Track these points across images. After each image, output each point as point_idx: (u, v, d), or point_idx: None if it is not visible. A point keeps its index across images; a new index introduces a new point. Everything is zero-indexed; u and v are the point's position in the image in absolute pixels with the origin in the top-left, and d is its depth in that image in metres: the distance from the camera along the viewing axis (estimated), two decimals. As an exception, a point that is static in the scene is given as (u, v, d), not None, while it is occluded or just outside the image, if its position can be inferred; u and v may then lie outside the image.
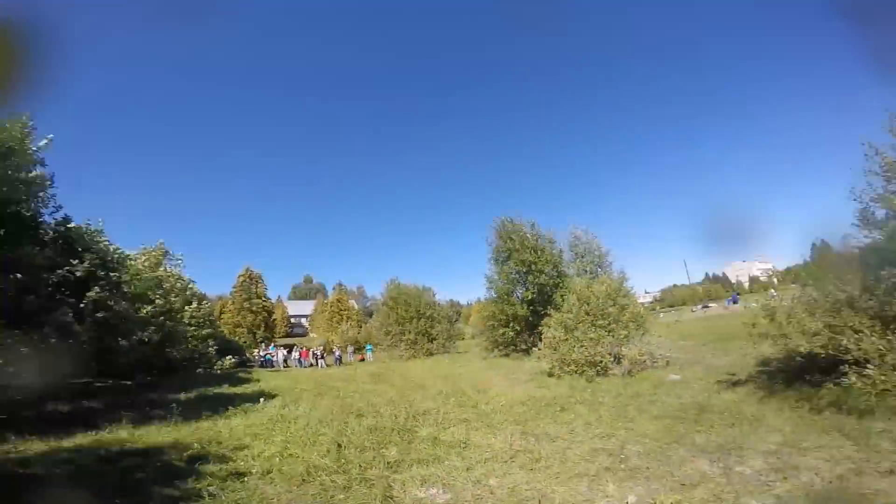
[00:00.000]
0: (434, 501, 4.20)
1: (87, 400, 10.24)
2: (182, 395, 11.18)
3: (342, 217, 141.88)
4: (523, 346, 17.74)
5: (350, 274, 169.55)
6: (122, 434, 6.63)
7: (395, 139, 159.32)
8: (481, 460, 5.23)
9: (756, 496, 3.69)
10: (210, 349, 18.20)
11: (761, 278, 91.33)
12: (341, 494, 4.19)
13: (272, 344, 30.21)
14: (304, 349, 27.83)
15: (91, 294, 9.62)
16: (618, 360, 10.97)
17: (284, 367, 25.58)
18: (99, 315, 9.85)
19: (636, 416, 6.77)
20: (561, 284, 16.66)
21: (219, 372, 15.42)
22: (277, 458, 5.27)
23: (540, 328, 16.46)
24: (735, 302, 44.66)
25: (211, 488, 4.17)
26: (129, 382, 12.90)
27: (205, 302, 21.44)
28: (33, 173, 7.11)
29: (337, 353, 28.25)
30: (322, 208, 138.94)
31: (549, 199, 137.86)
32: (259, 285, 36.11)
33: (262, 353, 27.12)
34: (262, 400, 9.71)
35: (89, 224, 10.79)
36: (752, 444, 4.87)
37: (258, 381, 15.56)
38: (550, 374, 11.50)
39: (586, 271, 17.41)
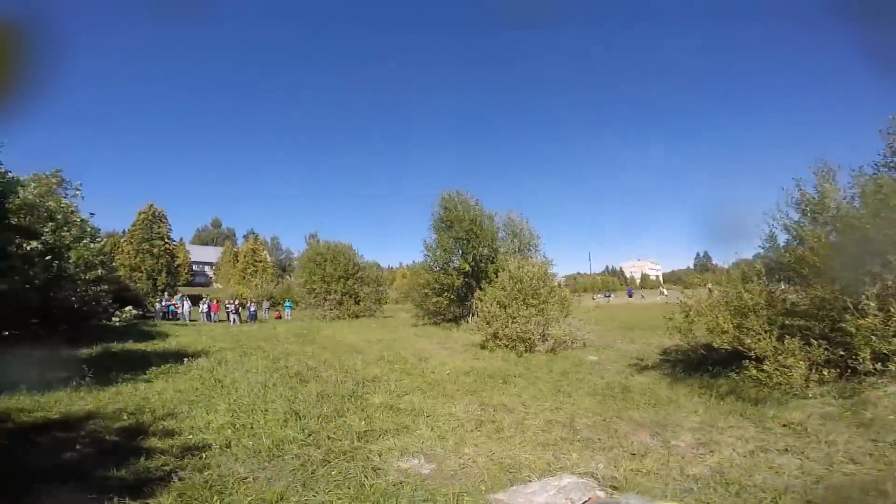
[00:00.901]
0: (419, 472, 4.22)
1: None
2: (83, 352, 9.85)
3: (260, 159, 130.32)
4: (451, 316, 18.43)
5: (263, 222, 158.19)
6: (24, 402, 5.56)
7: (331, 82, 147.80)
8: (449, 429, 5.39)
9: (694, 465, 4.37)
10: (106, 297, 16.02)
11: (651, 277, 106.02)
12: (322, 469, 4.03)
13: (177, 294, 27.45)
14: (216, 302, 25.80)
15: None
16: (544, 338, 11.90)
17: (190, 320, 23.55)
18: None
19: (572, 392, 7.47)
20: (495, 260, 17.35)
21: (117, 324, 13.67)
22: (230, 430, 4.87)
23: (471, 301, 17.22)
24: (630, 295, 52.98)
25: (167, 468, 3.74)
26: (7, 333, 10.95)
27: (99, 240, 18.66)
28: None
29: (252, 309, 26.66)
30: (236, 145, 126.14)
31: (476, 180, 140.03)
32: (163, 225, 32.13)
33: (164, 304, 24.60)
34: (185, 360, 8.93)
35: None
36: (678, 422, 5.64)
37: (168, 336, 14.23)
38: (483, 347, 12.16)
39: (518, 251, 18.33)
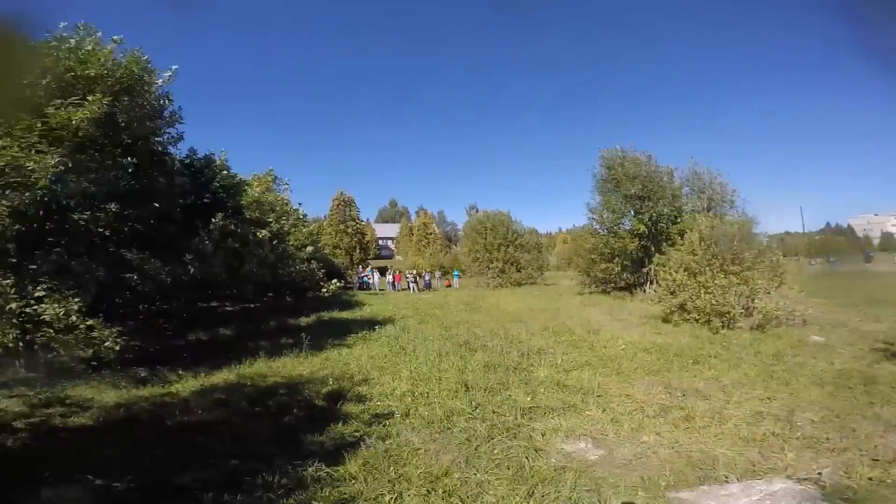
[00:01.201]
0: (586, 456, 3.94)
1: (223, 327, 11.66)
2: (303, 321, 12.27)
3: (425, 141, 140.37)
4: (624, 284, 16.85)
5: (430, 198, 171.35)
6: (261, 367, 7.11)
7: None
8: (625, 413, 4.91)
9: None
10: (318, 272, 19.66)
11: (896, 235, 76.85)
12: (485, 445, 4.10)
13: (369, 266, 32.23)
14: (398, 272, 29.28)
15: (216, 221, 10.42)
16: (748, 311, 9.82)
17: (379, 289, 27.36)
18: (229, 241, 10.75)
19: (790, 379, 5.97)
20: (679, 220, 14.98)
21: (326, 295, 16.69)
22: (410, 398, 5.38)
23: (649, 267, 15.33)
24: (868, 259, 37.81)
25: (358, 434, 4.27)
26: (251, 306, 14.44)
27: (309, 224, 22.75)
28: (158, 106, 7.34)
29: (427, 278, 29.42)
30: (407, 132, 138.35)
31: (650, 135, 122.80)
32: (352, 208, 38.02)
33: (359, 275, 29.07)
34: (376, 328, 10.31)
35: (213, 154, 11.50)
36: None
37: (363, 304, 16.66)
38: (666, 320, 10.73)
39: (707, 209, 15.45)
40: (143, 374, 6.64)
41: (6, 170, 5.17)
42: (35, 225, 5.68)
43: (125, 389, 5.95)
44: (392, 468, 3.58)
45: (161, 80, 7.14)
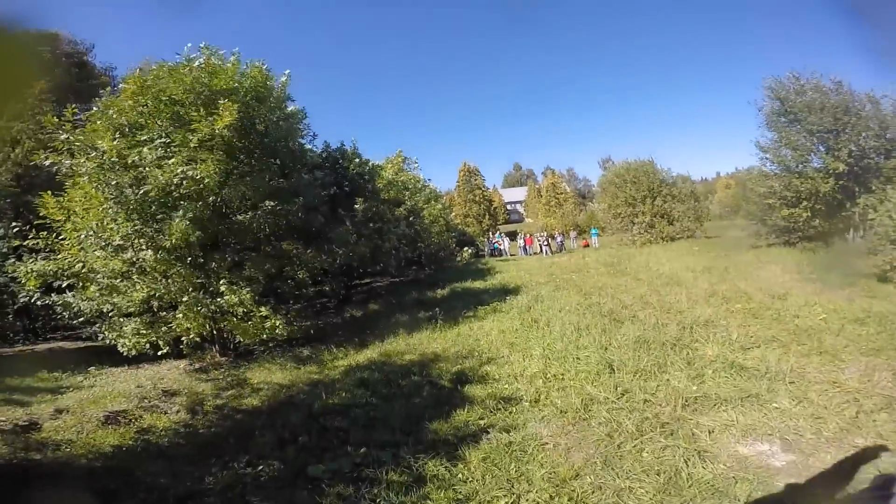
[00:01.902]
0: (769, 463, 3.07)
1: (373, 301, 12.71)
2: (438, 293, 12.67)
3: (546, 101, 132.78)
4: (814, 234, 13.36)
5: (556, 157, 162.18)
6: (400, 344, 7.36)
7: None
8: (830, 406, 3.73)
9: None
10: (451, 242, 20.29)
11: None
12: (631, 442, 3.45)
13: (498, 232, 32.18)
14: (529, 236, 28.49)
15: (358, 206, 11.25)
16: None
17: (510, 255, 27.04)
18: (371, 224, 11.58)
19: None
20: (893, 154, 11.23)
21: (460, 264, 17.12)
22: (541, 380, 4.92)
23: (851, 211, 11.92)
24: None
25: (482, 422, 4.04)
26: (396, 280, 15.52)
27: (441, 198, 23.54)
28: (289, 109, 7.95)
29: (559, 239, 28.00)
30: (527, 93, 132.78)
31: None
32: (477, 177, 38.20)
33: (490, 242, 29.18)
34: (507, 298, 10.03)
35: (344, 145, 12.39)
36: None
37: (495, 272, 16.52)
38: (884, 279, 8.08)
39: None
40: (305, 353, 7.51)
41: (182, 182, 6.19)
42: (212, 228, 6.72)
43: (289, 370, 6.75)
44: (514, 465, 3.25)
45: (280, 85, 7.72)
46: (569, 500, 2.82)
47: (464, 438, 3.72)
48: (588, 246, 27.16)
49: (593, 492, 2.90)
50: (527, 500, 2.86)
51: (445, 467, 3.25)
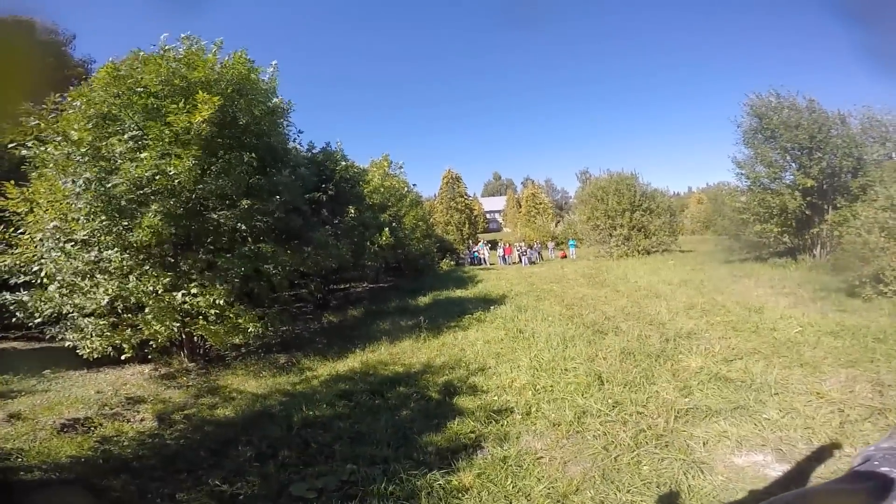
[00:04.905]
0: (764, 472, 3.07)
1: (352, 307, 12.39)
2: (420, 300, 12.46)
3: (526, 111, 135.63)
4: (784, 249, 13.95)
5: (535, 168, 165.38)
6: (383, 354, 7.14)
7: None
8: (816, 416, 3.76)
9: None
10: (432, 250, 20.15)
11: None
12: (628, 455, 3.38)
13: (480, 241, 32.28)
14: (508, 245, 28.68)
15: (347, 216, 10.94)
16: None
17: (489, 263, 27.14)
18: (354, 228, 11.27)
19: None
20: (860, 173, 11.87)
21: (440, 272, 17.01)
22: (531, 392, 4.81)
23: (819, 228, 12.51)
24: None
25: (473, 435, 3.89)
26: (373, 286, 15.23)
27: (422, 205, 23.38)
28: (272, 103, 7.60)
29: (537, 248, 28.31)
30: (509, 103, 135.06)
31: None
32: (460, 185, 38.34)
33: (470, 251, 29.22)
34: (491, 308, 9.93)
35: (329, 146, 12.12)
36: None
37: (476, 281, 16.46)
38: (853, 294, 8.41)
39: (893, 157, 12.02)
40: (282, 361, 7.17)
41: (155, 177, 5.84)
42: (184, 226, 6.35)
43: (265, 378, 6.42)
44: (510, 480, 3.11)
45: (266, 78, 7.41)
46: (572, 517, 2.70)
47: (457, 452, 3.55)
48: (566, 257, 27.54)
49: (595, 507, 2.79)
50: (527, 517, 2.72)
51: (440, 484, 3.07)
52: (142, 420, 4.87)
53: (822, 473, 2.99)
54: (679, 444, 3.51)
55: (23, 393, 5.84)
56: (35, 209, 6.26)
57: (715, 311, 7.97)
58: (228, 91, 6.59)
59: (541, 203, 44.52)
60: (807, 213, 12.54)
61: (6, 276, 6.16)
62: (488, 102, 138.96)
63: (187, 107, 6.03)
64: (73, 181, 5.81)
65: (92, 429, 4.51)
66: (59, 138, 6.00)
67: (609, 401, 4.38)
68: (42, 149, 6.02)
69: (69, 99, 6.21)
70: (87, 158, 5.89)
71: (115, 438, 4.32)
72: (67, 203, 5.95)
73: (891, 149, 12.27)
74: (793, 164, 12.85)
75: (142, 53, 6.51)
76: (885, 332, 5.97)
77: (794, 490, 0.89)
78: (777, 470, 3.11)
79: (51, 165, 6.00)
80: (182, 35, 6.58)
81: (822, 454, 3.21)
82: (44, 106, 6.16)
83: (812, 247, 12.88)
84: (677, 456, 3.33)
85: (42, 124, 6.05)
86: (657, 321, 7.64)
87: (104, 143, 5.91)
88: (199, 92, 5.97)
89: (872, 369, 4.73)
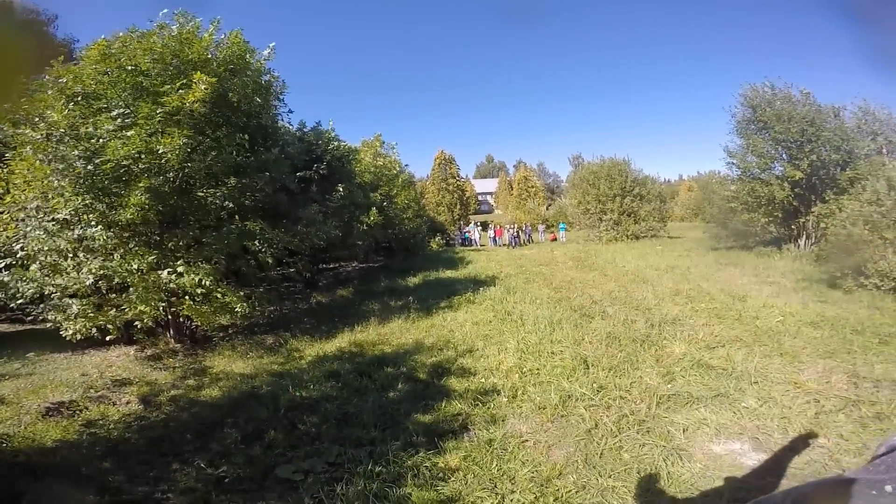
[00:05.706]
0: (741, 461, 3.17)
1: (341, 287, 12.34)
2: (410, 281, 12.45)
3: (521, 95, 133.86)
4: (770, 239, 14.18)
5: (528, 151, 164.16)
6: (372, 334, 7.10)
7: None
8: (793, 406, 3.87)
9: None
10: (423, 230, 20.07)
11: None
12: (611, 440, 3.46)
13: (471, 222, 32.25)
14: (499, 227, 28.67)
15: (336, 193, 10.78)
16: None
17: (480, 245, 27.18)
18: (344, 207, 11.13)
19: None
20: (849, 166, 11.99)
21: (431, 252, 16.99)
22: (517, 375, 4.87)
23: (805, 219, 12.71)
24: None
25: (461, 417, 3.94)
26: (363, 265, 15.14)
27: (415, 185, 23.14)
28: (265, 80, 7.44)
29: (528, 231, 28.38)
30: (501, 85, 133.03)
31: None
32: (452, 166, 38.04)
33: (461, 232, 29.18)
34: (481, 289, 9.97)
35: (320, 125, 11.86)
36: None
37: (467, 262, 16.47)
38: (834, 285, 8.60)
39: (885, 152, 12.16)
40: (269, 341, 7.14)
41: (142, 155, 5.67)
42: (171, 204, 6.21)
43: (252, 359, 6.39)
44: (495, 463, 3.18)
45: (262, 58, 7.23)
46: (554, 501, 2.77)
47: (444, 434, 3.60)
48: (555, 240, 27.66)
49: (577, 491, 2.86)
50: (511, 500, 2.78)
51: (426, 466, 3.12)
52: (127, 403, 4.84)
53: (797, 464, 3.08)
54: (660, 431, 3.60)
55: (6, 376, 5.77)
56: (12, 189, 6.08)
57: (700, 298, 8.11)
58: (221, 70, 6.38)
59: (532, 186, 44.42)
60: (794, 204, 12.71)
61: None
62: (484, 87, 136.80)
63: (179, 85, 5.84)
64: (54, 160, 5.63)
65: (77, 412, 4.48)
66: (36, 119, 5.77)
67: (594, 385, 4.46)
68: (19, 131, 5.80)
69: (47, 79, 5.94)
70: (66, 139, 5.68)
71: (101, 422, 4.31)
72: (49, 182, 5.77)
73: (881, 143, 12.41)
74: (784, 156, 12.94)
75: (137, 31, 6.27)
76: (863, 325, 6.14)
77: (783, 490, 0.90)
78: (753, 459, 3.20)
79: (28, 148, 5.81)
80: (175, 12, 6.30)
81: (797, 444, 3.31)
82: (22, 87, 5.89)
83: (797, 237, 13.10)
84: (658, 442, 3.42)
85: (14, 106, 5.79)
86: (643, 306, 7.76)
87: (88, 122, 5.70)
88: (195, 72, 5.82)
89: (849, 360, 4.86)
